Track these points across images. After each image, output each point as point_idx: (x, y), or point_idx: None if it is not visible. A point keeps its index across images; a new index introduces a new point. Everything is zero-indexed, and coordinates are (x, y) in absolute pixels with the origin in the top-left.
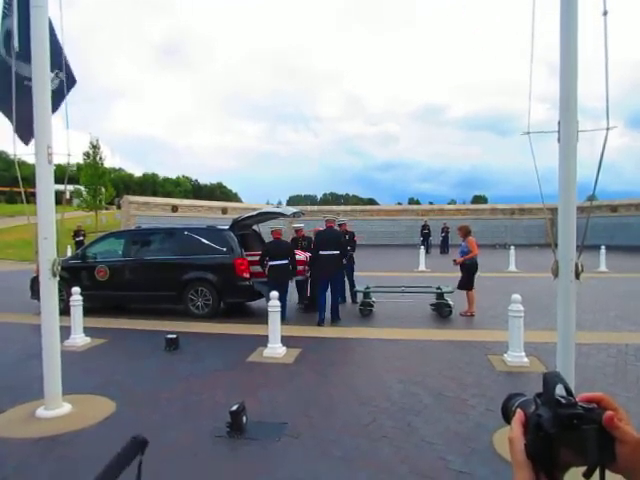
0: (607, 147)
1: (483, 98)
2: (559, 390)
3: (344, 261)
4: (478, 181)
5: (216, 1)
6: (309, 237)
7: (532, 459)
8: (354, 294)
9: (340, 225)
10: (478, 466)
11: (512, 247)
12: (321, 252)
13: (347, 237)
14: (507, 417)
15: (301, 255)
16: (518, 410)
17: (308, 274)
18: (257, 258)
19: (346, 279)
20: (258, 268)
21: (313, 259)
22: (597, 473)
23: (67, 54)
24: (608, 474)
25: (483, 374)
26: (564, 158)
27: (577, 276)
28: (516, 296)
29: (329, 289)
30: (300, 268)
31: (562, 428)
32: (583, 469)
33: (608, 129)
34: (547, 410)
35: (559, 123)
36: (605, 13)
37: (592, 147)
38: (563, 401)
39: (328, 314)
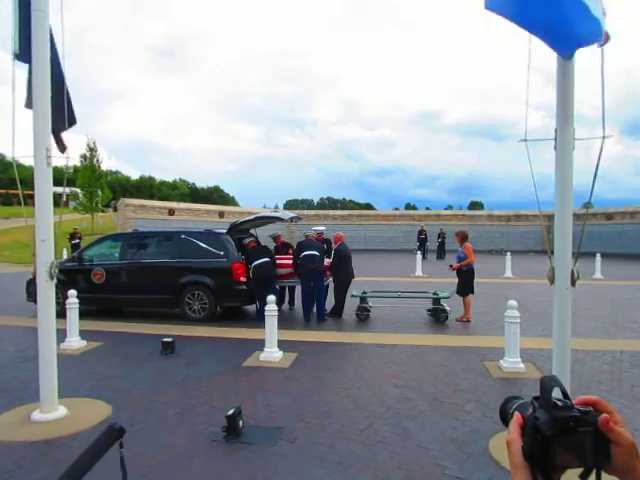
0: (603, 155)
1: (478, 104)
2: (556, 393)
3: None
4: (474, 187)
5: (213, 4)
6: (288, 243)
7: (529, 461)
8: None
9: (318, 234)
10: (474, 472)
11: (508, 253)
12: (303, 253)
13: (325, 245)
14: (505, 420)
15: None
16: (516, 413)
17: (330, 279)
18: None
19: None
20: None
21: (296, 262)
22: (594, 475)
23: (65, 55)
24: (604, 476)
25: (479, 380)
26: (560, 165)
27: (573, 283)
28: (512, 302)
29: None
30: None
31: (559, 430)
32: (580, 471)
33: (604, 137)
34: (544, 413)
35: (556, 131)
36: None
37: (588, 155)
38: (560, 404)
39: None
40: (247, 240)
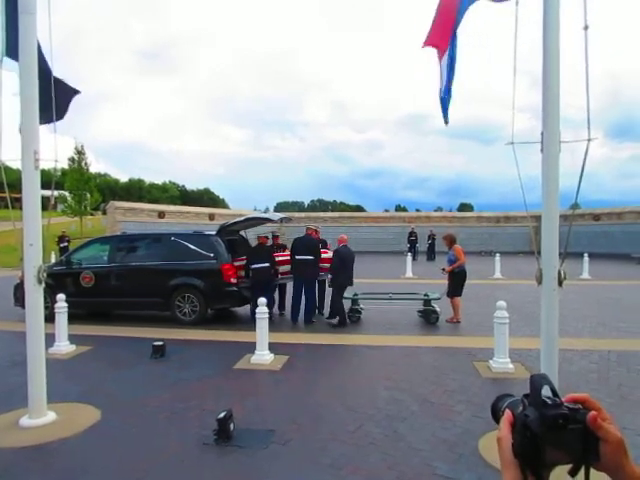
0: (588, 157)
1: (465, 107)
2: (545, 391)
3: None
4: (464, 189)
5: (202, 6)
6: (284, 245)
7: (519, 458)
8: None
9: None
10: (464, 472)
11: (497, 254)
12: (296, 257)
13: (320, 244)
14: (496, 418)
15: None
16: (506, 410)
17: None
18: (243, 264)
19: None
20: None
21: (293, 259)
22: (583, 471)
23: (53, 57)
24: (593, 473)
25: (469, 380)
26: (547, 168)
27: (560, 283)
28: (501, 303)
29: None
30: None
31: (548, 428)
32: (569, 467)
33: (589, 140)
34: (534, 410)
35: (542, 134)
36: (586, 28)
37: (574, 157)
38: (549, 402)
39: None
40: (261, 234)
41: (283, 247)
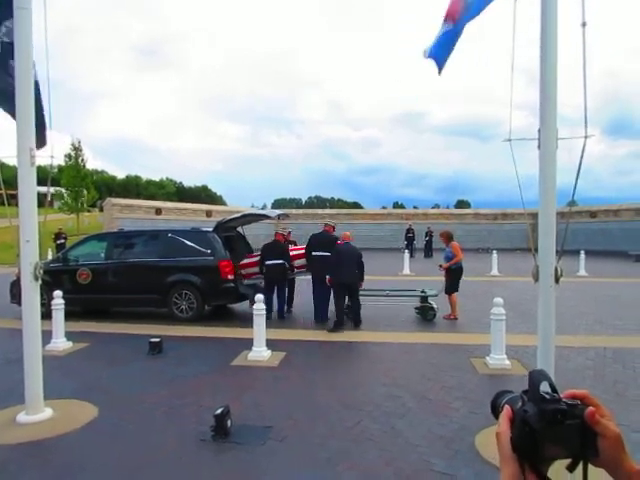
0: (585, 154)
1: (462, 104)
2: (544, 387)
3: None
4: (461, 186)
5: (199, 3)
6: (293, 241)
7: (518, 453)
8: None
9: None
10: (461, 468)
11: (494, 251)
12: (313, 253)
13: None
14: (496, 413)
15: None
16: (505, 406)
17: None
18: (248, 261)
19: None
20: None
21: (308, 255)
22: (581, 467)
23: (49, 55)
24: (591, 468)
25: (466, 377)
26: (544, 165)
27: (557, 280)
28: (498, 300)
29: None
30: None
31: (547, 423)
32: (567, 462)
33: (586, 137)
34: (533, 406)
35: (539, 131)
36: (584, 25)
37: (571, 154)
38: (548, 397)
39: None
40: (277, 230)
41: (294, 243)
